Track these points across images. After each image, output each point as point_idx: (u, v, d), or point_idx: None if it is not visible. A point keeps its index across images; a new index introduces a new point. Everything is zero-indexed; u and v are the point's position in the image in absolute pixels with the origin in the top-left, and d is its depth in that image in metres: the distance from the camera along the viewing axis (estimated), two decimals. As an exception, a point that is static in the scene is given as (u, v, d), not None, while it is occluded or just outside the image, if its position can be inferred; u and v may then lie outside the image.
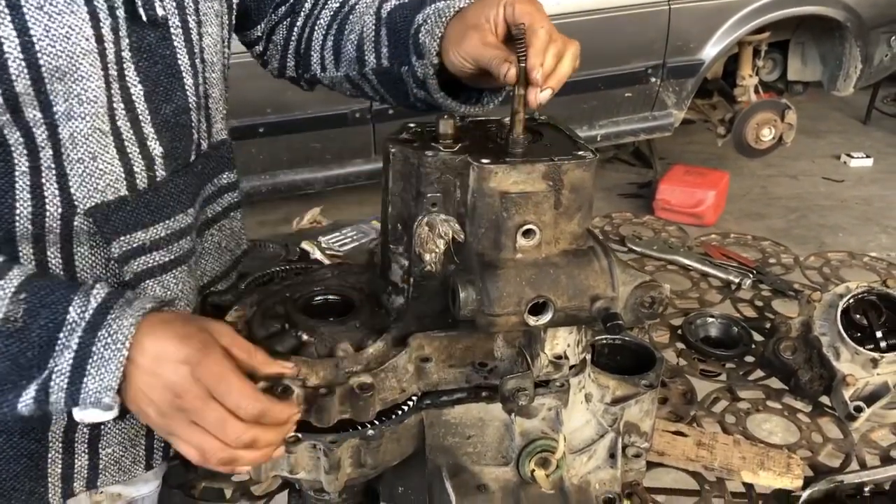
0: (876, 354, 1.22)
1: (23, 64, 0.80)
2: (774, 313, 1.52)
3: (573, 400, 0.97)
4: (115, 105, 0.89)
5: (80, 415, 0.82)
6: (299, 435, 0.87)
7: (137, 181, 0.93)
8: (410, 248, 0.92)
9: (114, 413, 0.82)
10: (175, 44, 0.94)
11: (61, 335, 0.79)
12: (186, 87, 0.97)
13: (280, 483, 1.09)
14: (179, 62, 0.95)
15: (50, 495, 0.98)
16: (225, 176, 1.11)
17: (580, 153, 0.88)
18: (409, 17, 1.06)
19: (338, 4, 1.18)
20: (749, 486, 1.12)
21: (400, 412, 0.90)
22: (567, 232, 0.89)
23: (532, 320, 0.87)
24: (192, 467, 1.13)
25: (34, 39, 0.80)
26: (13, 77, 0.80)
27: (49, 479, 0.97)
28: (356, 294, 1.00)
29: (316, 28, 1.19)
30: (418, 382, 0.90)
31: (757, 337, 1.44)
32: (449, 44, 0.98)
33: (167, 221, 0.96)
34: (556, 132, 0.96)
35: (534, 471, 0.92)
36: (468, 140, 0.92)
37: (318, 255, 1.64)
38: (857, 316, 1.28)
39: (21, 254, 0.89)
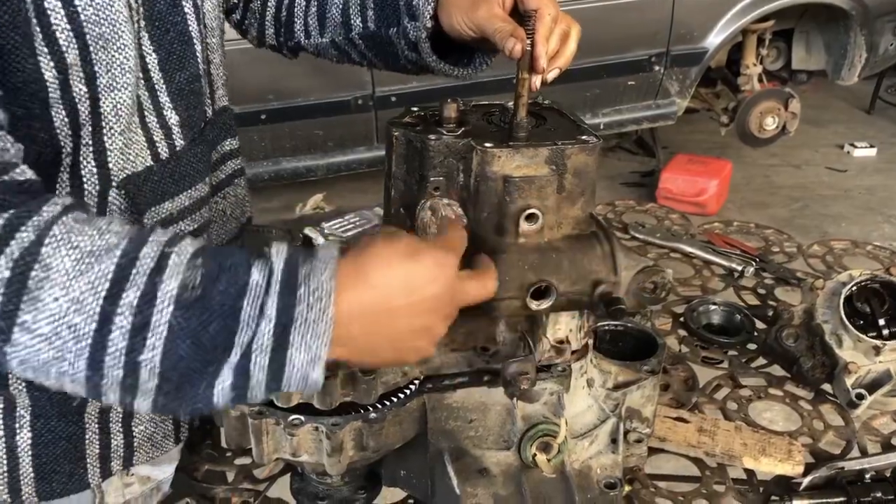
0: (878, 342, 1.22)
1: (71, 35, 0.78)
2: (777, 301, 1.52)
3: (575, 385, 0.97)
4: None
5: None
6: (302, 417, 0.87)
7: (160, 150, 0.92)
8: (413, 231, 0.92)
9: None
10: (185, 10, 0.94)
11: (245, 302, 0.67)
12: (197, 55, 0.97)
13: (282, 466, 1.10)
14: (191, 29, 0.95)
15: (89, 476, 0.99)
16: (228, 143, 1.11)
17: (584, 137, 0.88)
18: None
19: None
20: (750, 473, 1.12)
21: (402, 395, 0.90)
22: (570, 216, 0.89)
23: (534, 305, 0.87)
24: (195, 450, 1.13)
25: (78, 9, 0.79)
26: (63, 49, 0.78)
27: (87, 460, 0.98)
28: None
29: None
30: (420, 366, 0.90)
31: (759, 325, 1.44)
32: (452, 8, 0.98)
33: (189, 191, 0.96)
34: (559, 117, 0.96)
35: (535, 455, 0.92)
36: (471, 124, 0.91)
37: (320, 240, 1.64)
38: (860, 304, 1.28)
39: None
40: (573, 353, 0.95)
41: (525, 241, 0.87)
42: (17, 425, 0.93)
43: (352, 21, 1.11)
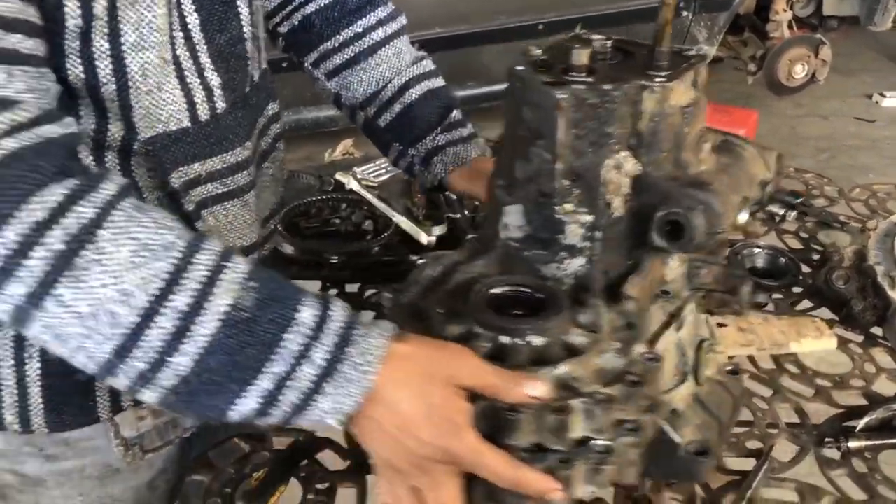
0: (934, 283, 1.20)
1: None
2: (821, 244, 1.49)
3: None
4: (174, 34, 0.86)
5: None
6: None
7: (199, 112, 0.90)
8: (591, 200, 0.84)
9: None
10: None
11: (288, 336, 0.69)
12: (241, 17, 0.95)
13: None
14: None
15: (99, 409, 0.98)
16: (271, 107, 1.10)
17: (691, 52, 0.86)
18: (425, 123, 1.18)
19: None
20: (803, 415, 1.10)
21: None
22: (709, 133, 0.89)
23: (742, 219, 0.88)
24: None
25: None
26: None
27: (97, 394, 0.97)
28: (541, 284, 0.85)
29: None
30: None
31: (804, 268, 1.41)
32: (457, 175, 1.17)
33: (224, 155, 0.94)
34: (634, 46, 0.89)
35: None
36: (596, 66, 0.83)
37: (353, 185, 1.61)
38: (915, 245, 1.25)
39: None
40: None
41: (707, 167, 0.87)
42: (26, 355, 0.91)
43: (368, 110, 1.24)
